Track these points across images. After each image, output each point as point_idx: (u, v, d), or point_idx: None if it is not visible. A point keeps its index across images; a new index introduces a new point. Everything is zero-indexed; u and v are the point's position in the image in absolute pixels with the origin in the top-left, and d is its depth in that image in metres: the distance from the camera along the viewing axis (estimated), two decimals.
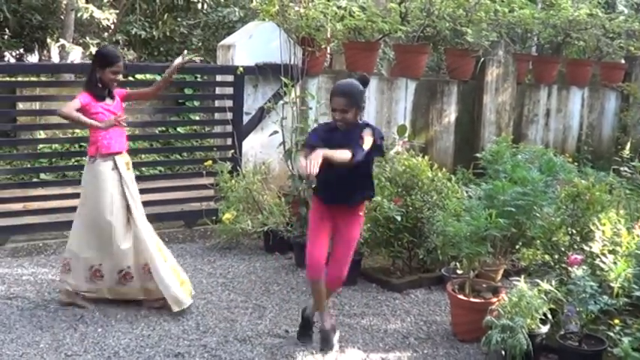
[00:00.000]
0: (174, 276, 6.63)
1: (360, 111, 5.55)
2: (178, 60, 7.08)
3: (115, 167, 6.66)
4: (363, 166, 5.54)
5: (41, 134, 11.82)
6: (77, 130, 11.55)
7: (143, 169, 11.25)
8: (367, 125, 5.58)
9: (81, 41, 15.88)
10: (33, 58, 17.64)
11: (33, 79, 12.13)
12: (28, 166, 10.88)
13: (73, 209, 8.78)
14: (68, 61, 14.53)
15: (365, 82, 5.65)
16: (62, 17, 15.58)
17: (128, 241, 6.63)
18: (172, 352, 5.82)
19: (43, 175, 10.73)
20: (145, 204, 8.97)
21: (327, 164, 5.29)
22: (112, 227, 6.59)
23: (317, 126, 6.15)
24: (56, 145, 11.86)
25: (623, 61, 14.14)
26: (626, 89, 13.71)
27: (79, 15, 14.71)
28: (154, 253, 6.60)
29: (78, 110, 6.45)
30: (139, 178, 10.38)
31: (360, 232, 6.20)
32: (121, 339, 6.06)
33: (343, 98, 5.48)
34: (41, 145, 11.89)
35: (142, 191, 9.28)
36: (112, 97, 6.74)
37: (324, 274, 5.71)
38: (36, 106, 11.44)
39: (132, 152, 11.09)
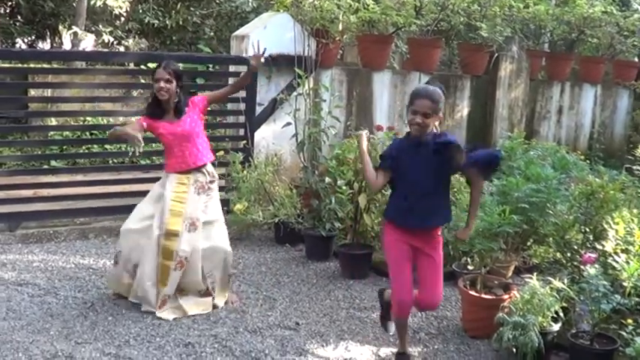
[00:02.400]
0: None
1: (439, 118, 5.20)
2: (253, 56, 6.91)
3: (164, 183, 6.63)
4: (443, 185, 5.31)
5: (52, 121, 11.82)
6: (88, 118, 11.54)
7: (154, 157, 11.26)
8: (443, 135, 5.26)
9: (93, 29, 15.90)
10: (45, 45, 17.64)
11: (45, 65, 12.11)
12: (39, 152, 10.89)
13: (84, 196, 8.89)
14: (80, 49, 14.51)
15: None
16: (74, 4, 15.55)
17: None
18: (182, 342, 5.82)
19: (53, 162, 10.72)
20: None
21: (403, 182, 5.24)
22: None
23: (394, 141, 5.70)
24: (67, 133, 11.89)
25: (636, 60, 14.10)
26: (638, 87, 13.65)
27: (91, 3, 14.70)
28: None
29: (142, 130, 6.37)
30: (149, 167, 10.48)
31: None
32: (132, 327, 6.06)
33: (429, 101, 5.10)
34: (52, 132, 11.91)
35: (153, 180, 9.33)
36: (180, 113, 6.52)
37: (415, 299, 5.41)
38: (47, 92, 11.47)
39: (143, 141, 11.19)
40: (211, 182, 6.65)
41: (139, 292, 6.49)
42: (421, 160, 5.17)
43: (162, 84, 6.35)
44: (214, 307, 6.59)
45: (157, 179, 9.04)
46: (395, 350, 5.81)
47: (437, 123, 5.21)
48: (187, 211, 6.41)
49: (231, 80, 9.34)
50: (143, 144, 6.16)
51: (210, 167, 6.65)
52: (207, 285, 6.57)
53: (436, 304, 5.49)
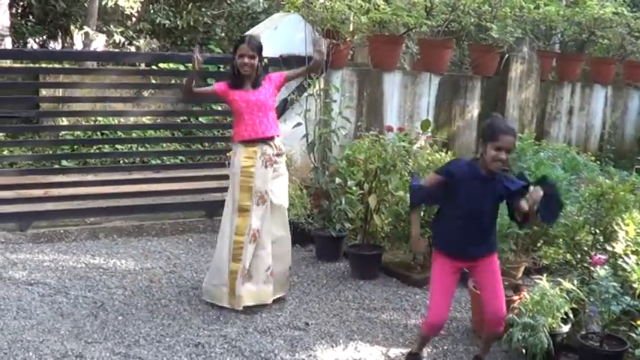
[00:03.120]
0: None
1: None
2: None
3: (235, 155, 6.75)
4: (493, 215, 5.22)
5: (63, 121, 11.84)
6: (99, 118, 11.57)
7: (165, 157, 11.28)
8: (508, 176, 5.14)
9: (104, 29, 15.94)
10: (56, 45, 17.69)
11: (56, 65, 12.14)
12: (50, 152, 10.92)
13: (95, 196, 8.89)
14: (91, 49, 14.55)
15: None
16: (86, 5, 15.63)
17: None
18: (192, 342, 5.83)
19: (64, 162, 10.75)
20: (166, 193, 9.06)
21: (452, 210, 5.20)
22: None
23: (458, 162, 5.54)
24: (78, 132, 11.91)
25: None
26: None
27: (103, 3, 14.77)
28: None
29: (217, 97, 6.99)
30: (160, 167, 10.51)
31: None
32: (142, 327, 6.08)
33: (514, 137, 5.02)
34: (63, 132, 11.93)
35: (164, 180, 9.36)
36: (257, 85, 6.66)
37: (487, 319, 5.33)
38: (59, 92, 11.49)
39: (154, 141, 11.23)
40: (278, 155, 6.75)
41: (215, 273, 6.69)
42: (485, 194, 5.08)
43: (246, 59, 6.53)
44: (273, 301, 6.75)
45: (168, 180, 9.14)
46: (405, 351, 5.82)
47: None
48: (256, 185, 6.56)
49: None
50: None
51: (277, 141, 6.75)
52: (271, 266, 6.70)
53: (500, 318, 5.27)
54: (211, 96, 7.19)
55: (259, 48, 6.64)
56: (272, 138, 6.66)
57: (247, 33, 9.82)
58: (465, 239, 5.15)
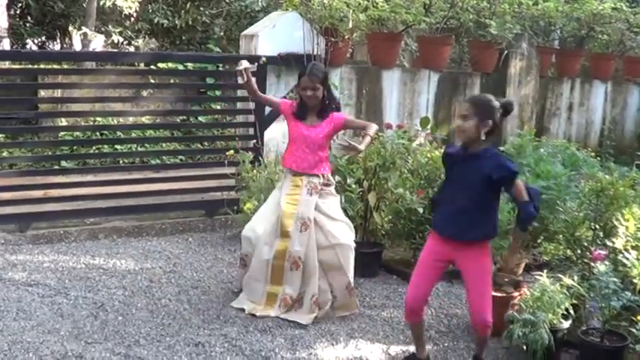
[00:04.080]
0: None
1: (483, 125, 4.98)
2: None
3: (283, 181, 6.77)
4: (487, 199, 5.13)
5: (62, 122, 11.84)
6: (98, 119, 11.56)
7: (164, 157, 11.28)
8: (497, 156, 5.12)
9: (103, 29, 15.93)
10: (55, 46, 17.68)
11: (55, 66, 12.13)
12: (49, 153, 10.91)
13: (95, 197, 8.89)
14: (90, 49, 14.54)
15: (507, 108, 5.14)
16: (84, 5, 15.60)
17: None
18: (193, 341, 5.83)
19: (63, 163, 10.74)
20: (166, 193, 9.05)
21: (445, 190, 5.26)
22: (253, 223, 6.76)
23: (449, 151, 5.48)
24: (77, 133, 11.90)
25: None
26: None
27: (101, 3, 14.75)
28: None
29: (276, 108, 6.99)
30: (160, 167, 10.50)
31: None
32: (142, 327, 6.06)
33: (467, 104, 5.13)
34: (62, 133, 11.92)
35: (163, 180, 9.34)
36: (321, 118, 6.58)
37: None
38: (58, 93, 11.49)
39: (153, 141, 11.23)
40: (326, 185, 6.68)
41: (251, 291, 6.65)
42: (469, 172, 5.10)
43: (309, 92, 6.44)
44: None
45: (168, 179, 9.13)
46: (405, 348, 5.83)
47: (481, 128, 5.02)
48: (299, 211, 6.48)
49: (240, 79, 9.35)
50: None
51: (327, 174, 6.71)
52: (329, 297, 6.54)
53: (482, 324, 5.18)
54: (273, 107, 7.12)
55: (323, 78, 6.47)
56: (321, 173, 6.63)
57: (244, 32, 9.85)
58: (452, 218, 5.14)
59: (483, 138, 5.03)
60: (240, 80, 6.53)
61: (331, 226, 6.55)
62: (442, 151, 5.77)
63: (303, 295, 6.48)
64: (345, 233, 6.61)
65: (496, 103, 5.05)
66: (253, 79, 6.66)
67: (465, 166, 5.10)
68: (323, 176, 6.63)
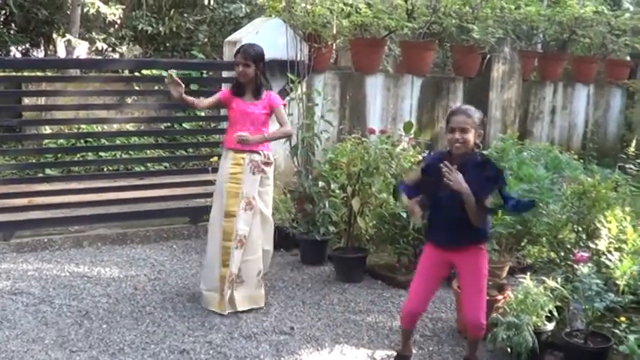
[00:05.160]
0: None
1: (477, 136, 5.10)
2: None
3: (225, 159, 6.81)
4: (479, 204, 5.08)
5: (46, 129, 11.82)
6: (83, 126, 11.55)
7: (149, 164, 11.27)
8: (487, 162, 5.17)
9: (87, 36, 15.93)
10: (39, 53, 17.65)
11: (39, 73, 12.11)
12: (33, 161, 10.90)
13: (79, 204, 8.88)
14: (74, 56, 14.52)
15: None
16: (68, 12, 15.59)
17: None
18: (177, 349, 5.83)
19: (48, 171, 10.72)
20: (150, 200, 9.04)
21: (435, 200, 5.22)
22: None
23: (433, 154, 5.63)
24: (61, 141, 11.88)
25: (628, 59, 14.11)
26: (631, 86, 13.68)
27: (85, 10, 14.75)
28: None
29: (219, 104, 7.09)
30: (144, 174, 10.49)
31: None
32: (126, 335, 6.06)
33: (464, 116, 5.08)
34: (46, 140, 11.90)
35: (148, 187, 9.33)
36: (258, 96, 6.75)
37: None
38: (42, 101, 11.47)
39: (137, 148, 11.22)
40: (266, 164, 6.81)
41: (206, 278, 6.77)
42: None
43: (240, 68, 6.66)
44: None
45: (152, 186, 9.12)
46: (390, 353, 5.85)
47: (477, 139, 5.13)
48: (244, 191, 6.64)
49: (225, 86, 9.36)
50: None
51: (267, 151, 6.83)
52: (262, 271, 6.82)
53: (475, 324, 5.25)
54: (219, 103, 7.10)
55: (254, 56, 6.69)
56: (260, 149, 6.74)
57: (228, 38, 9.86)
58: (443, 226, 5.22)
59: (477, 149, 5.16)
60: (173, 92, 6.68)
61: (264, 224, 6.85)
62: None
63: (246, 271, 6.70)
64: (269, 239, 6.98)
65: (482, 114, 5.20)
66: (183, 90, 6.74)
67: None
68: (264, 154, 6.76)
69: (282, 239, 8.51)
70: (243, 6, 16.49)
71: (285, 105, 7.03)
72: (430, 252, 5.38)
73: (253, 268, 6.70)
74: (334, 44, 10.15)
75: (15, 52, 17.03)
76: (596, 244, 6.06)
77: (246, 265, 6.67)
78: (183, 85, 6.66)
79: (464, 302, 5.37)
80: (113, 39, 16.61)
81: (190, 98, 6.84)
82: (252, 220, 6.68)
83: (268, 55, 9.16)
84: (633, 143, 8.90)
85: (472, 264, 5.25)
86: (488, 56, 11.46)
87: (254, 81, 6.70)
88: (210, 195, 9.02)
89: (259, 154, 6.71)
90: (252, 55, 6.66)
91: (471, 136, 5.06)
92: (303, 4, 9.42)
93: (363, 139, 8.26)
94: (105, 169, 11.51)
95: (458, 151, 5.10)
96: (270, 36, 9.42)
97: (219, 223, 6.67)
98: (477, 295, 5.24)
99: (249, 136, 6.56)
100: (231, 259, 6.58)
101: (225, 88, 6.93)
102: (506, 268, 7.34)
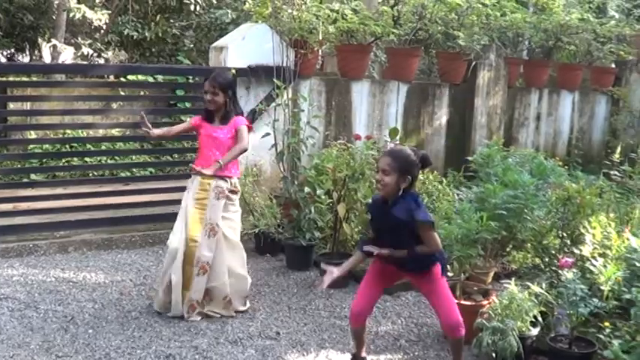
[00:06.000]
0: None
1: (402, 180, 5.13)
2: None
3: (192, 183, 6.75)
4: (412, 240, 5.18)
5: (32, 134, 11.80)
6: (68, 131, 11.53)
7: (134, 170, 11.26)
8: (415, 201, 5.20)
9: (73, 41, 15.89)
10: (24, 58, 17.61)
11: (24, 79, 12.10)
12: (18, 166, 10.87)
13: (64, 210, 8.86)
14: (60, 62, 14.50)
15: (425, 161, 5.29)
16: (54, 17, 15.58)
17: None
18: (163, 354, 5.82)
19: (33, 176, 10.71)
20: (136, 205, 9.02)
21: (380, 235, 5.32)
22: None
23: (372, 201, 5.62)
24: (47, 146, 11.85)
25: (613, 66, 14.17)
26: (616, 93, 13.72)
27: (70, 15, 14.72)
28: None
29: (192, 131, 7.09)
30: (129, 179, 10.48)
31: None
32: (112, 340, 6.06)
33: (388, 157, 5.19)
34: (32, 146, 11.88)
35: (133, 192, 9.32)
36: (225, 121, 6.74)
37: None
38: (27, 106, 11.45)
39: (123, 153, 11.21)
40: (232, 192, 6.78)
41: (172, 298, 6.66)
42: (385, 217, 5.26)
43: (208, 97, 6.67)
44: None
45: (138, 192, 9.09)
46: (375, 357, 5.87)
47: (401, 183, 5.16)
48: (207, 217, 6.60)
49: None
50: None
51: (234, 179, 6.82)
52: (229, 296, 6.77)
53: (450, 324, 5.30)
54: (190, 130, 7.09)
55: (223, 84, 6.67)
56: (228, 177, 6.74)
57: (214, 44, 9.85)
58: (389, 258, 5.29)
59: (400, 193, 5.17)
60: (144, 131, 6.79)
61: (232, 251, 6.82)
62: None
63: (212, 295, 6.70)
64: (242, 264, 6.93)
65: (414, 158, 5.21)
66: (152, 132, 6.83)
67: (386, 214, 5.22)
68: (230, 182, 6.76)
69: (268, 244, 8.54)
70: (229, 12, 16.47)
71: (250, 127, 6.92)
72: (380, 265, 5.48)
73: (219, 294, 6.69)
74: (320, 50, 10.17)
75: (0, 57, 17.00)
76: (581, 250, 6.11)
77: (212, 291, 6.68)
78: (151, 128, 6.70)
79: (434, 309, 5.44)
80: (99, 44, 16.59)
81: (159, 131, 6.94)
82: (217, 245, 6.64)
83: (254, 60, 9.23)
84: (618, 150, 8.91)
85: (427, 283, 5.35)
86: (474, 63, 11.49)
87: (223, 108, 6.70)
88: None
89: (226, 180, 6.70)
90: (220, 83, 6.65)
91: (389, 180, 5.12)
92: (289, 10, 9.44)
93: (349, 144, 8.28)
94: (90, 174, 11.49)
95: (379, 191, 5.28)
96: (256, 42, 9.43)
97: (182, 244, 6.60)
98: (446, 301, 5.31)
99: (201, 170, 6.52)
100: (192, 284, 6.56)
101: (197, 117, 6.90)
102: (491, 274, 7.39)
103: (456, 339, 5.39)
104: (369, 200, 5.70)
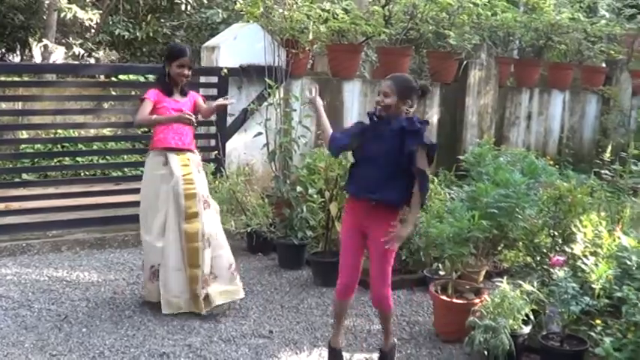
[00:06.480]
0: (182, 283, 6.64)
1: (403, 103, 5.28)
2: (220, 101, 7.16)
3: (167, 163, 6.63)
4: (401, 163, 5.27)
5: (23, 134, 11.79)
6: (59, 131, 11.52)
7: (126, 169, 11.24)
8: (419, 122, 5.34)
9: (64, 41, 15.88)
10: (15, 58, 17.59)
11: (15, 78, 12.08)
12: (10, 166, 10.87)
13: (56, 209, 8.87)
14: (50, 61, 14.49)
15: (424, 90, 5.50)
16: (45, 17, 15.55)
17: (161, 241, 6.62)
18: (157, 352, 5.84)
19: (25, 175, 10.70)
20: (128, 205, 9.03)
21: (363, 155, 5.40)
22: (146, 223, 6.71)
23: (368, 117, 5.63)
24: (38, 145, 11.84)
25: (603, 65, 14.21)
26: (606, 93, 13.77)
27: (61, 15, 14.71)
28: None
29: (152, 109, 6.65)
30: (121, 179, 10.48)
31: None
32: (106, 339, 6.07)
33: (389, 81, 5.32)
34: (23, 145, 11.86)
35: (125, 192, 9.32)
36: (184, 94, 6.84)
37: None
38: (18, 106, 11.42)
39: (114, 153, 11.21)
40: (199, 165, 6.86)
41: (171, 284, 6.63)
42: (381, 138, 5.32)
43: (186, 71, 6.75)
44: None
45: (130, 191, 9.08)
46: (368, 356, 5.90)
47: (401, 106, 5.30)
48: (199, 191, 6.61)
49: (202, 91, 9.37)
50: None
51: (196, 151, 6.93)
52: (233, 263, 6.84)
53: (378, 300, 5.48)
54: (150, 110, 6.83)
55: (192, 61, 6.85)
56: (193, 150, 6.82)
57: (205, 44, 9.88)
58: (366, 182, 5.34)
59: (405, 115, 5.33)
60: None
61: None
62: None
63: (217, 267, 6.70)
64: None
65: (414, 84, 5.39)
66: None
67: (381, 134, 5.33)
68: (197, 154, 6.89)
69: (260, 244, 8.55)
70: (220, 11, 16.46)
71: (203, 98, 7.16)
72: (348, 219, 5.57)
73: (224, 262, 6.71)
74: (311, 50, 10.19)
75: None
76: (572, 249, 6.13)
77: (216, 260, 6.68)
78: None
79: (370, 273, 5.45)
80: (90, 44, 16.58)
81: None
82: (212, 217, 6.72)
83: (246, 60, 9.25)
84: (608, 149, 8.94)
85: (382, 229, 5.29)
86: (465, 62, 11.52)
87: (186, 83, 6.86)
88: None
89: (195, 153, 6.82)
90: (192, 59, 6.85)
91: (390, 101, 5.26)
92: (280, 10, 9.46)
93: None
94: (82, 174, 11.48)
95: (380, 112, 5.34)
96: (247, 41, 9.46)
97: (175, 227, 6.56)
98: (383, 265, 5.40)
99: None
100: (201, 260, 6.54)
101: (150, 91, 6.73)
102: (483, 272, 7.42)
103: (384, 312, 5.57)
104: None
